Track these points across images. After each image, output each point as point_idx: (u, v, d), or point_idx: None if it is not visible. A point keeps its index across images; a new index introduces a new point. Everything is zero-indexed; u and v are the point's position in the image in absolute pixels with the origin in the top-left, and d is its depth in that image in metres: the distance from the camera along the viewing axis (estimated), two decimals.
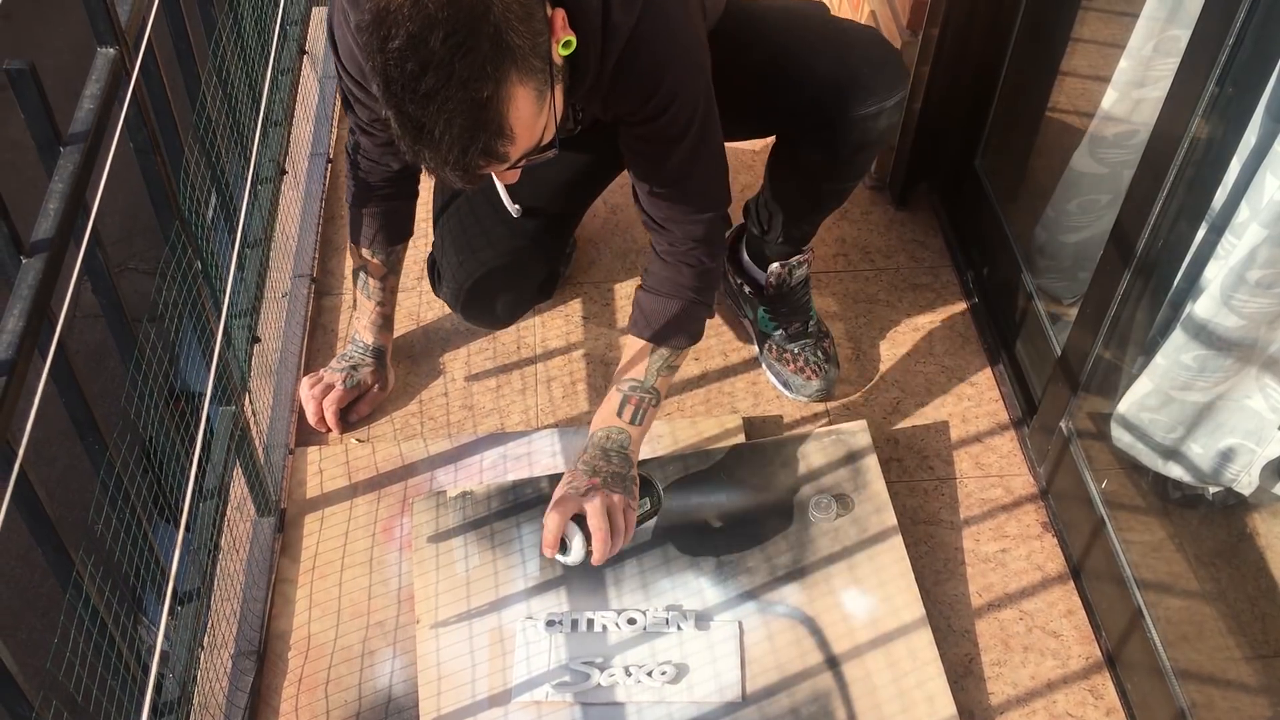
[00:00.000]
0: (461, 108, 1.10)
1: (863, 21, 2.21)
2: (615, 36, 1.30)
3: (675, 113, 1.39)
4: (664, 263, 1.53)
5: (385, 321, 1.82)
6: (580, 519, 1.42)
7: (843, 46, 1.61)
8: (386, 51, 1.09)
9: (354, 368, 1.79)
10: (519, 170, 1.27)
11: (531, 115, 1.17)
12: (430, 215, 1.88)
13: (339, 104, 2.43)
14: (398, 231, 1.74)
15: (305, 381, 1.78)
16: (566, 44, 1.21)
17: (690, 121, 1.41)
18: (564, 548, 1.42)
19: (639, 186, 1.49)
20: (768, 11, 1.65)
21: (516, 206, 1.43)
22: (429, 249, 1.89)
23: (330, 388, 1.77)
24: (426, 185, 1.80)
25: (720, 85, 1.45)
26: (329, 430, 1.78)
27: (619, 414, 1.53)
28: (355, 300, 1.81)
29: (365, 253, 1.73)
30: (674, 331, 1.54)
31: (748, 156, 2.27)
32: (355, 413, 1.80)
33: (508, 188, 1.42)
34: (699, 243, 1.51)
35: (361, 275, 1.77)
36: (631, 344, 1.56)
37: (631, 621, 1.52)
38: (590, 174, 1.80)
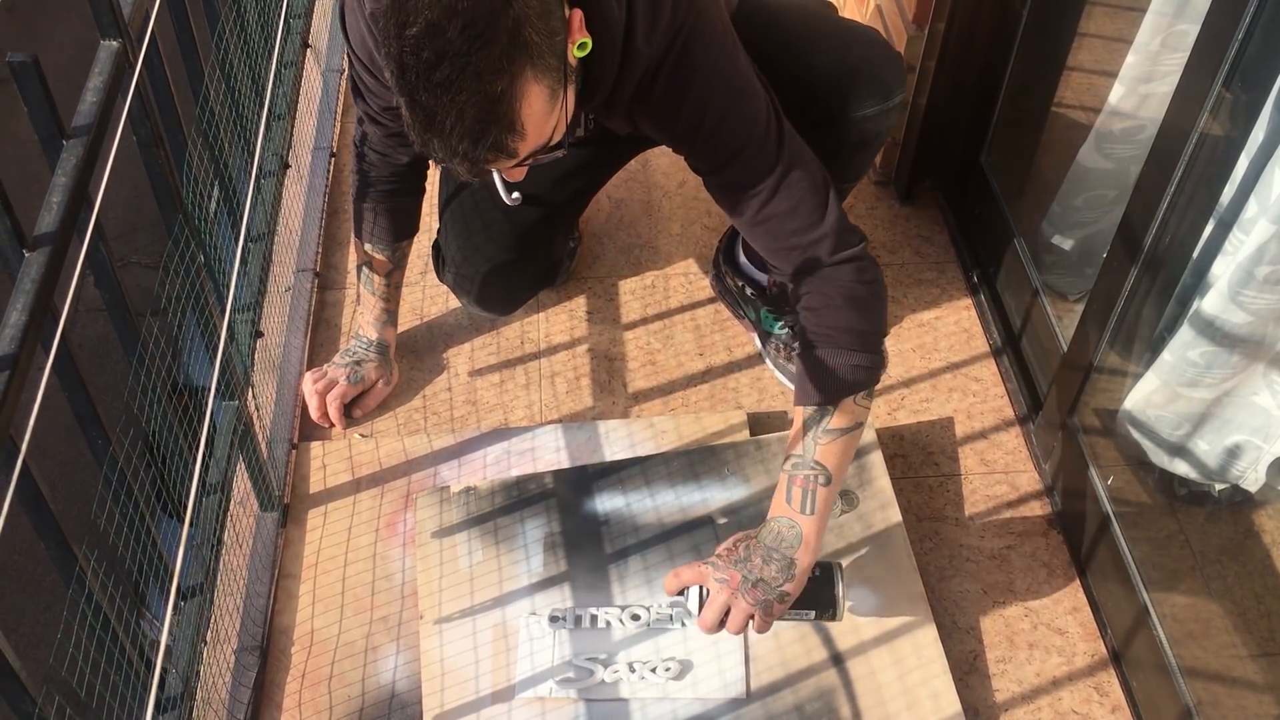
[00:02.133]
0: (474, 100, 1.10)
1: (868, 16, 2.21)
2: (635, 59, 1.30)
3: (729, 139, 1.36)
4: (806, 311, 1.39)
5: (389, 317, 1.82)
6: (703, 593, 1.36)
7: (844, 46, 1.60)
8: (403, 38, 1.08)
9: (358, 363, 1.79)
10: (525, 168, 1.26)
11: (543, 113, 1.16)
12: (435, 208, 1.88)
13: (343, 98, 2.42)
14: (403, 228, 1.73)
15: (308, 376, 1.78)
16: (581, 45, 1.20)
17: (746, 147, 1.36)
18: (685, 594, 1.39)
19: (748, 231, 1.43)
20: (773, 7, 1.64)
21: (516, 196, 1.41)
22: (433, 238, 1.89)
23: (333, 383, 1.77)
24: (432, 179, 1.79)
25: None
26: (331, 425, 1.78)
27: (788, 501, 1.36)
28: (358, 295, 1.81)
29: (369, 248, 1.73)
30: (815, 385, 1.36)
31: None
32: (359, 408, 1.80)
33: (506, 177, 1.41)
34: (828, 269, 1.37)
35: (365, 270, 1.76)
36: (796, 412, 1.40)
37: (635, 618, 1.52)
38: (594, 166, 1.80)
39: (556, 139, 1.23)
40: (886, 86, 1.59)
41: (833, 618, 1.40)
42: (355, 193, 1.69)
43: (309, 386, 1.77)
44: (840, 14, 1.78)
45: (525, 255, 1.77)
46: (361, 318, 1.81)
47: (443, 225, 1.80)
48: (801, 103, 1.59)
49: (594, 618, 1.52)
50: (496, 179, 1.40)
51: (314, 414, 1.77)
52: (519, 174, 1.28)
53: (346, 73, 1.60)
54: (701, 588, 1.37)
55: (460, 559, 1.60)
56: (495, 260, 1.74)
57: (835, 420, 1.35)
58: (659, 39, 1.32)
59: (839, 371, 1.35)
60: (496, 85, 1.10)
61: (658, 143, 1.67)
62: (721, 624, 1.36)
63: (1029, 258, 1.86)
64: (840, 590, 1.39)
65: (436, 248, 1.86)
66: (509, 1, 1.09)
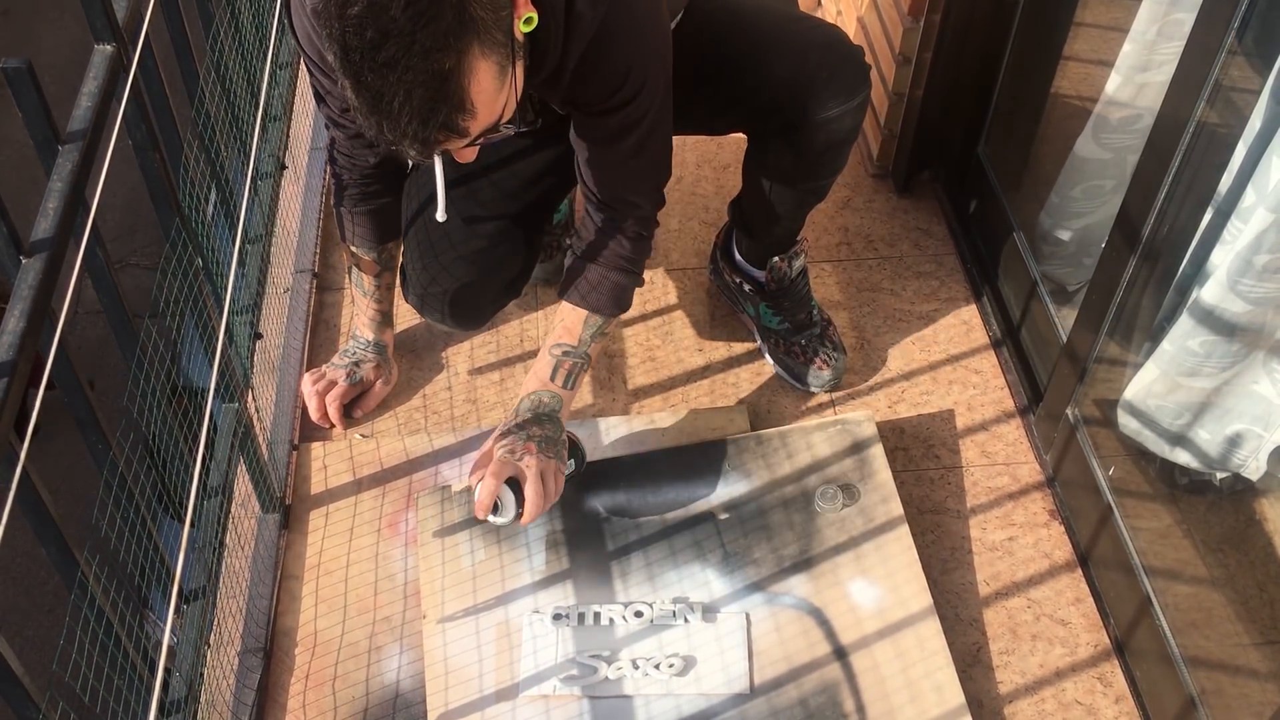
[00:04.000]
0: (422, 79, 1.08)
1: (863, 9, 2.20)
2: (579, 27, 1.30)
3: (637, 104, 1.39)
4: (602, 232, 1.54)
5: (384, 318, 1.81)
6: (511, 481, 1.44)
7: (800, 50, 1.58)
8: (345, 18, 1.06)
9: (356, 363, 1.78)
10: (476, 149, 1.25)
11: (493, 90, 1.15)
12: None
13: None
14: (384, 230, 1.71)
15: (307, 378, 1.78)
16: (528, 20, 1.18)
17: (648, 111, 1.41)
18: (496, 508, 1.44)
19: (585, 167, 1.51)
20: (726, 11, 1.63)
21: (442, 214, 1.41)
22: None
23: (332, 384, 1.76)
24: None
25: (680, 88, 1.45)
26: (331, 426, 1.78)
27: (552, 378, 1.55)
28: (352, 296, 1.81)
29: (355, 250, 1.72)
30: (610, 300, 1.56)
31: (730, 154, 2.25)
32: (360, 408, 1.80)
33: (447, 192, 1.41)
34: (640, 218, 1.54)
35: (355, 272, 1.76)
36: (566, 310, 1.58)
37: (638, 614, 1.52)
38: (551, 173, 1.74)
39: (507, 116, 1.22)
40: (849, 86, 1.58)
41: (582, 464, 1.62)
42: (334, 198, 1.68)
43: (308, 388, 1.77)
44: (799, 9, 1.77)
45: (488, 271, 1.72)
46: (357, 319, 1.81)
47: (406, 245, 1.76)
48: (764, 109, 1.58)
49: (597, 615, 1.52)
50: (439, 190, 1.39)
51: (314, 415, 1.77)
52: (470, 154, 1.26)
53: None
54: (504, 487, 1.44)
55: (462, 558, 1.60)
56: (458, 279, 1.69)
57: (607, 326, 1.59)
58: (602, 8, 1.30)
59: (626, 293, 1.58)
60: (444, 63, 1.08)
61: None
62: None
63: (1027, 249, 1.85)
64: (580, 440, 1.63)
65: (402, 269, 1.80)
66: None
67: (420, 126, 1.11)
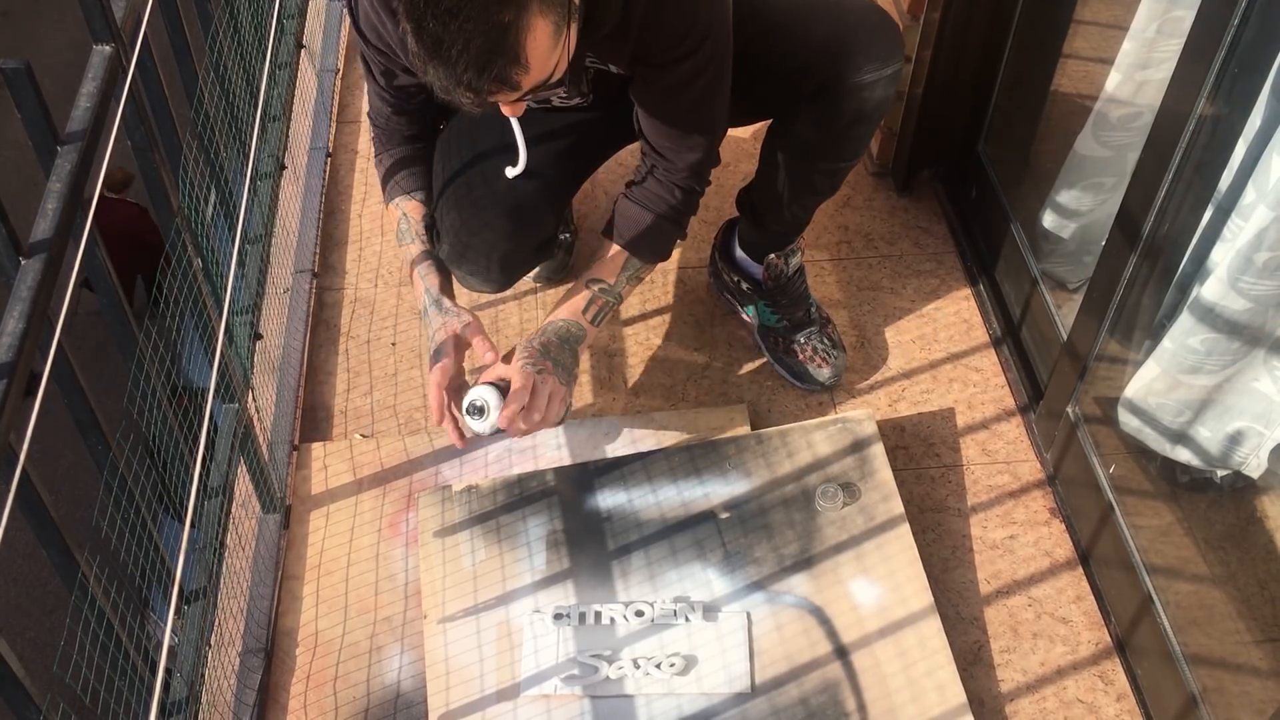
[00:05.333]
0: (481, 29, 1.12)
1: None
2: None
3: (702, 54, 1.42)
4: (656, 180, 1.58)
5: (436, 261, 1.64)
6: (501, 390, 1.45)
7: (839, 14, 1.61)
8: None
9: (437, 349, 1.54)
10: (525, 104, 1.28)
11: (547, 48, 1.18)
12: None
13: (338, 98, 2.42)
14: (429, 169, 1.71)
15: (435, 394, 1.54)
16: None
17: (711, 61, 1.44)
18: (481, 413, 1.44)
19: (646, 119, 1.53)
20: None
21: (518, 169, 1.46)
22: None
23: (437, 381, 1.52)
24: None
25: None
26: (457, 433, 1.52)
27: (584, 311, 1.58)
28: (408, 272, 1.64)
29: (401, 201, 1.66)
30: (650, 244, 1.60)
31: (748, 146, 2.26)
32: (482, 377, 1.51)
33: (499, 150, 1.45)
34: (694, 168, 1.57)
35: (401, 225, 1.65)
36: (606, 248, 1.62)
37: (639, 614, 1.52)
38: (597, 140, 1.79)
39: (557, 76, 1.25)
40: (884, 52, 1.59)
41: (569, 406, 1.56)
42: (376, 158, 1.70)
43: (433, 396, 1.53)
44: None
45: (524, 228, 1.75)
46: (416, 289, 1.61)
47: (440, 199, 1.77)
48: (798, 71, 1.59)
49: (598, 614, 1.52)
50: (519, 140, 1.43)
51: (434, 419, 1.54)
52: (518, 109, 1.30)
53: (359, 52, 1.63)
54: (494, 392, 1.44)
55: (463, 558, 1.60)
56: (498, 233, 1.71)
57: (643, 271, 1.63)
58: None
59: (667, 241, 1.63)
60: (504, 16, 1.12)
61: None
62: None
63: (1028, 247, 1.85)
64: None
65: (430, 222, 1.83)
66: None
67: (475, 76, 1.15)
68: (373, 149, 1.72)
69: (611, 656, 1.48)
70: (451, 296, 1.62)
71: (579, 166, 1.81)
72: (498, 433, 1.45)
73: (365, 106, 1.76)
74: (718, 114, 1.54)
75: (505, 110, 1.30)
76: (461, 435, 1.51)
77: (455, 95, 1.18)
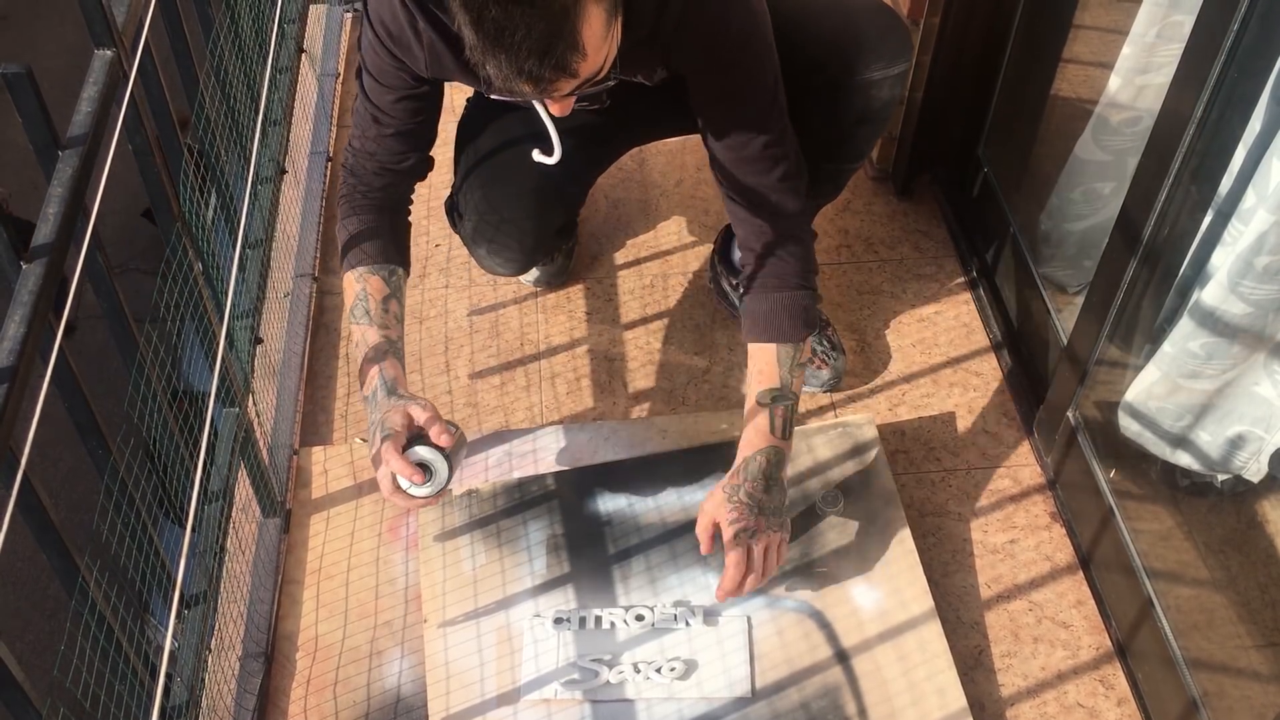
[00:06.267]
0: (543, 15, 1.11)
1: None
2: None
3: (745, 64, 1.41)
4: (760, 256, 1.51)
5: (390, 347, 1.47)
6: (435, 448, 1.32)
7: (849, 12, 1.61)
8: None
9: (379, 427, 1.39)
10: (571, 101, 1.28)
11: (600, 36, 1.18)
12: (439, 209, 1.86)
13: (339, 102, 2.42)
14: (395, 250, 1.54)
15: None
16: None
17: (756, 71, 1.42)
18: (428, 472, 1.32)
19: (720, 168, 1.48)
20: None
21: (558, 153, 1.40)
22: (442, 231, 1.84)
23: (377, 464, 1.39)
24: (448, 141, 1.71)
25: None
26: (422, 501, 1.39)
27: (772, 431, 1.48)
28: (353, 346, 1.55)
29: (361, 271, 1.51)
30: (790, 322, 1.50)
31: None
32: (441, 443, 1.37)
33: (529, 137, 1.42)
34: (791, 222, 1.50)
35: (358, 305, 1.49)
36: (753, 351, 1.53)
37: (640, 618, 1.52)
38: (610, 135, 1.79)
39: (605, 71, 1.25)
40: (893, 51, 1.59)
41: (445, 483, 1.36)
42: (341, 219, 1.54)
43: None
44: None
45: (545, 208, 1.76)
46: (363, 375, 1.46)
47: (462, 177, 1.76)
48: (807, 66, 1.58)
49: (598, 619, 1.52)
50: (551, 130, 1.39)
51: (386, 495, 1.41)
52: (567, 105, 1.29)
53: (359, 62, 1.52)
54: (436, 454, 1.32)
55: (463, 562, 1.60)
56: (521, 206, 1.71)
57: (802, 354, 1.52)
58: None
59: (808, 312, 1.51)
60: (563, 1, 1.12)
61: (673, 128, 1.74)
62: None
63: (1028, 250, 1.85)
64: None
65: (451, 204, 1.83)
66: None
67: (537, 63, 1.14)
68: (339, 209, 1.54)
69: (612, 661, 1.48)
70: (405, 388, 1.44)
71: (598, 154, 1.82)
72: (439, 492, 1.34)
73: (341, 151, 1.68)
74: (788, 145, 1.48)
75: (554, 108, 1.29)
76: (391, 489, 1.36)
77: (514, 85, 1.17)
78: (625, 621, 1.52)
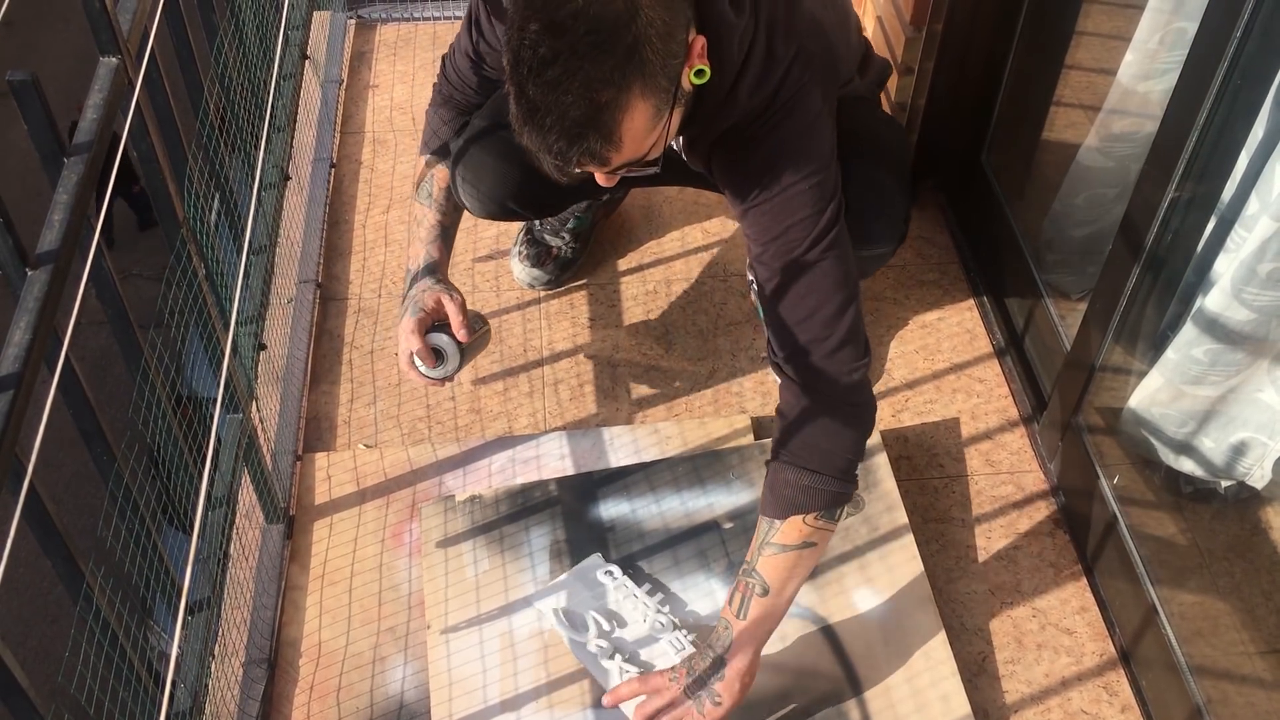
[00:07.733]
0: (579, 104, 1.11)
1: (868, 19, 2.21)
2: (739, 97, 1.30)
3: (797, 195, 1.32)
4: (788, 418, 1.37)
5: (442, 232, 1.60)
6: (444, 330, 1.45)
7: (863, 179, 1.52)
8: (525, 31, 1.10)
9: (412, 302, 1.51)
10: (617, 176, 1.26)
11: (643, 130, 1.17)
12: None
13: (342, 109, 2.42)
14: None
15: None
16: (699, 73, 1.20)
17: (821, 213, 1.32)
18: (440, 357, 1.45)
19: (770, 323, 1.38)
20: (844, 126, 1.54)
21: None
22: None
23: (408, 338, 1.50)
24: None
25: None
26: (434, 381, 1.51)
27: (729, 602, 1.37)
28: (411, 222, 1.62)
29: (434, 161, 1.64)
30: (775, 497, 1.36)
31: None
32: (460, 336, 1.49)
33: None
34: (840, 392, 1.36)
35: (424, 185, 1.62)
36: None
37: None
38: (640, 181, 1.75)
39: (653, 155, 1.23)
40: (879, 234, 1.59)
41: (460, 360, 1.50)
42: (433, 104, 1.65)
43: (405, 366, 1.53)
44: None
45: (538, 183, 1.71)
46: (412, 246, 1.59)
47: (470, 158, 1.70)
48: None
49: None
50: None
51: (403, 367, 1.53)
52: (611, 180, 1.27)
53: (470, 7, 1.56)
54: (446, 338, 1.45)
55: (466, 568, 1.60)
56: (518, 165, 1.63)
57: (779, 536, 1.34)
58: (760, 98, 1.31)
59: (791, 490, 1.34)
60: (603, 95, 1.11)
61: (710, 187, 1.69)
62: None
63: (1031, 257, 1.85)
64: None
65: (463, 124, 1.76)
66: (634, 16, 1.10)
67: (565, 147, 1.14)
68: (434, 93, 1.65)
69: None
70: (445, 273, 1.56)
71: (604, 193, 1.79)
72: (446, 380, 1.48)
73: (436, 61, 1.67)
74: (857, 316, 1.37)
75: (600, 180, 1.27)
76: (410, 366, 1.49)
77: (543, 160, 1.17)
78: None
